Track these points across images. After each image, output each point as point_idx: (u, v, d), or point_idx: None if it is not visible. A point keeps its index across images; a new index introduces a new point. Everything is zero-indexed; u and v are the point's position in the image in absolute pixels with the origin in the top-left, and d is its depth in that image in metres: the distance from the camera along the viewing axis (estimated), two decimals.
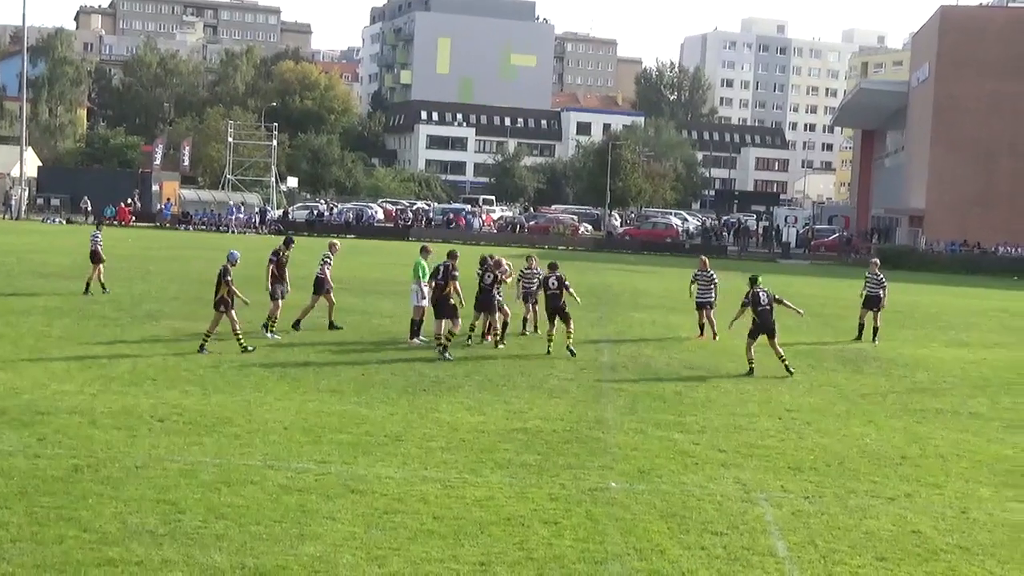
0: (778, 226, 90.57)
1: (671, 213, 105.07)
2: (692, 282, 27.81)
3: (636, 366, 22.65)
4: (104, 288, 30.70)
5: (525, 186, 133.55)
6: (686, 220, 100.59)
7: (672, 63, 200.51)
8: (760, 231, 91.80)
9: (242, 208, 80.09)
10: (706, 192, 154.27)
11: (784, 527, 12.00)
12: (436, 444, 14.85)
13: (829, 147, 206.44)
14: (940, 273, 64.30)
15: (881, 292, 28.32)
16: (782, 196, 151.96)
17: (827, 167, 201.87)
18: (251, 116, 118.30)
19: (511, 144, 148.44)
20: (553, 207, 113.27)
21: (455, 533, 11.14)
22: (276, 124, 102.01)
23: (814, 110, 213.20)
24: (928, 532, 12.10)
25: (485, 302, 23.92)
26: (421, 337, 23.94)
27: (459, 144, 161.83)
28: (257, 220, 76.96)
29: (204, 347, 21.46)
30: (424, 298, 23.84)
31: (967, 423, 18.49)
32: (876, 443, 16.48)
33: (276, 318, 23.96)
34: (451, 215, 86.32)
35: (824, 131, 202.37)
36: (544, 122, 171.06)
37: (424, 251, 24.91)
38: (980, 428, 18.11)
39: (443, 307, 22.84)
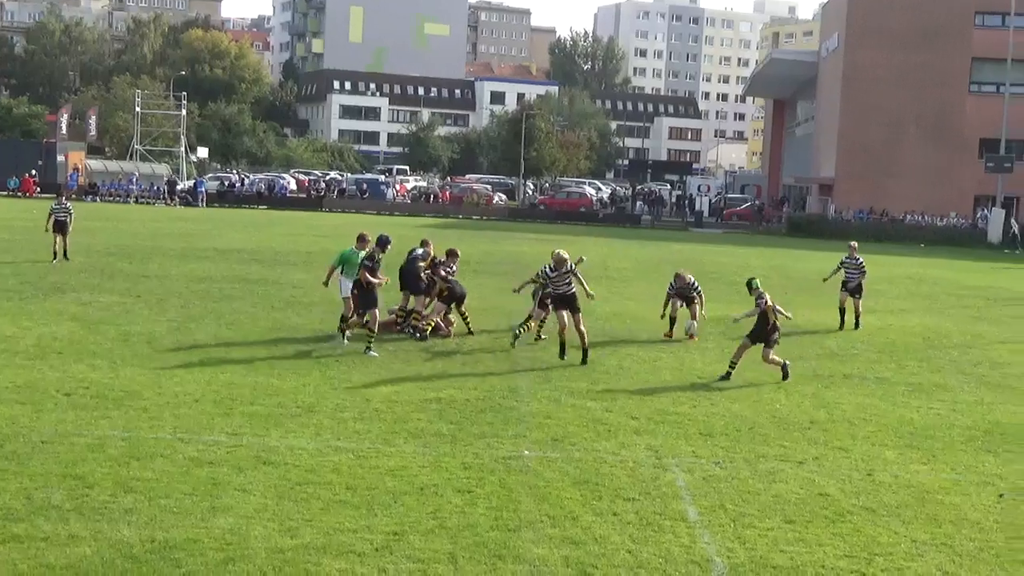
0: (691, 195, 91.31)
1: (585, 182, 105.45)
2: (666, 300, 23.19)
3: (550, 335, 22.67)
4: (66, 257, 31.27)
5: (439, 156, 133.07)
6: (600, 189, 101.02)
7: (586, 32, 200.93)
8: (673, 200, 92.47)
9: (134, 179, 78.39)
10: (620, 161, 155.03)
11: (695, 492, 12.13)
12: (349, 415, 14.78)
13: (741, 117, 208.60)
14: (849, 241, 65.20)
15: (861, 278, 26.08)
16: (695, 165, 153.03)
17: (739, 136, 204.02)
18: (159, 85, 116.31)
19: (425, 114, 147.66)
20: (467, 177, 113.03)
21: (368, 503, 11.11)
22: (185, 93, 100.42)
23: (726, 80, 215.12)
24: (835, 494, 12.32)
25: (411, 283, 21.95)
26: (347, 336, 20.56)
27: (372, 114, 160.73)
28: (165, 191, 75.65)
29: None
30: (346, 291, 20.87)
31: (874, 388, 18.84)
32: (786, 408, 16.73)
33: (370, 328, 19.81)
34: (364, 185, 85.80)
35: (736, 101, 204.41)
36: (458, 91, 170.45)
37: (361, 240, 20.93)
38: (886, 392, 18.46)
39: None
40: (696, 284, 23.27)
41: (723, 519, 11.26)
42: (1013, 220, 68.93)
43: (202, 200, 73.43)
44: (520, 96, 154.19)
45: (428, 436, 13.90)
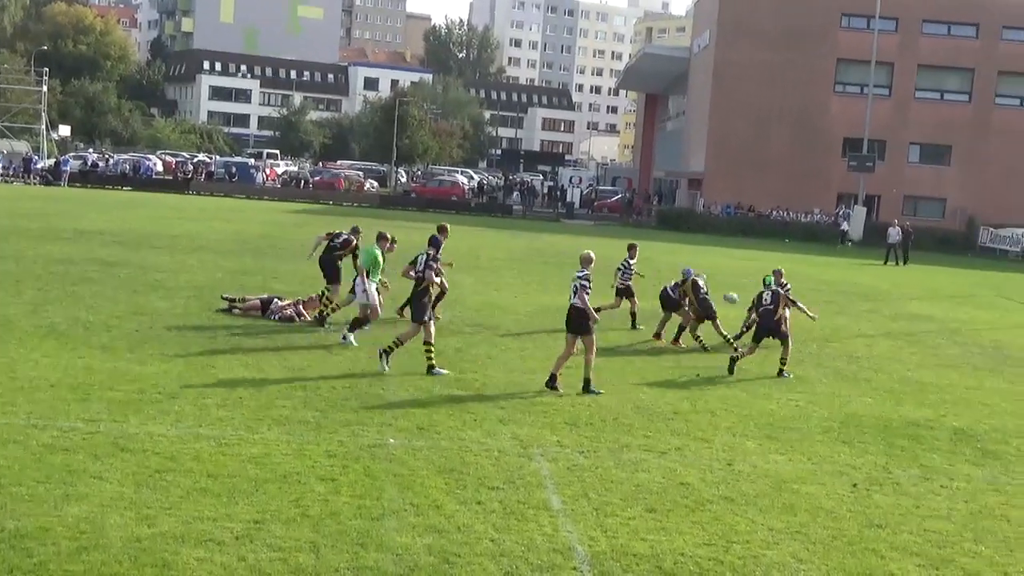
0: (563, 186, 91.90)
1: (458, 171, 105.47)
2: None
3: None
4: None
5: (310, 141, 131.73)
6: (472, 178, 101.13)
7: (461, 21, 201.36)
8: (545, 191, 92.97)
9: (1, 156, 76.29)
10: (493, 151, 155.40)
11: (559, 481, 12.21)
12: (212, 401, 14.51)
13: (614, 110, 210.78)
14: (717, 235, 66.41)
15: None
16: (567, 157, 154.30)
17: (612, 129, 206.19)
18: (20, 60, 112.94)
19: (297, 98, 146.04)
20: (339, 163, 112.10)
21: (229, 491, 10.92)
22: (47, 69, 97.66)
23: (600, 73, 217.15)
24: (696, 484, 12.51)
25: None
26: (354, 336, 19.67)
27: (243, 96, 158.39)
28: (21, 169, 73.49)
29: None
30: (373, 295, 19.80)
31: (736, 379, 19.19)
32: (650, 399, 16.94)
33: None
34: (234, 168, 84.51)
35: (609, 94, 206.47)
36: (331, 76, 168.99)
37: (381, 239, 20.42)
38: (748, 384, 18.83)
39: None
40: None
41: (585, 508, 11.35)
42: (846, 223, 70.92)
43: (64, 179, 71.49)
44: (394, 83, 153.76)
45: (292, 423, 13.74)
